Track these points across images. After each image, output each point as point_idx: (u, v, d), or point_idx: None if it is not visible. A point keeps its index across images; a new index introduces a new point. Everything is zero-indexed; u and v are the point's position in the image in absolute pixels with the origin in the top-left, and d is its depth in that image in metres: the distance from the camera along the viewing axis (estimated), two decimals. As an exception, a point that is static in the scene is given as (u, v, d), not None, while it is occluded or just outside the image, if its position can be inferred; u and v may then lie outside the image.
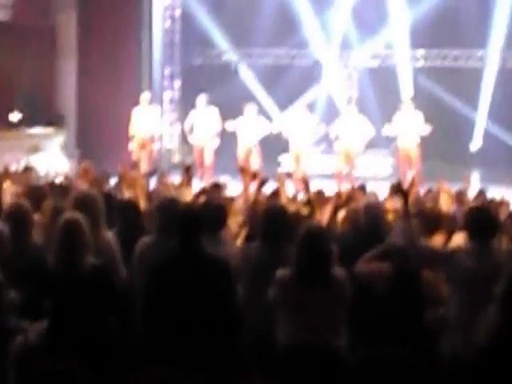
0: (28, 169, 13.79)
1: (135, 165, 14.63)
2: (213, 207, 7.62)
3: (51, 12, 19.50)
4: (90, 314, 5.89)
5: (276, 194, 10.71)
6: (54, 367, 5.26)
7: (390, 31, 19.85)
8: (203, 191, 11.07)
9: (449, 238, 7.77)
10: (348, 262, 6.59)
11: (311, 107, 19.08)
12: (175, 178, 13.12)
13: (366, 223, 7.30)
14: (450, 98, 19.59)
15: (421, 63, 20.18)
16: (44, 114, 18.87)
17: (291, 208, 9.18)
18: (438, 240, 7.66)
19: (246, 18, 19.98)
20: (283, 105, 20.11)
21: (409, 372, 5.41)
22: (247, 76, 20.80)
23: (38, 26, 19.00)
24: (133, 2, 19.89)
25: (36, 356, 5.74)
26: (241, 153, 17.22)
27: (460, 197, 11.88)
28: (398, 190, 6.56)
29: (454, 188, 12.38)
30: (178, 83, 21.40)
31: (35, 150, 18.00)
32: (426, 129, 16.89)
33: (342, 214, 9.04)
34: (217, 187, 11.41)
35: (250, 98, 19.12)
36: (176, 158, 20.92)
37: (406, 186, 6.74)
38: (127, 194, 9.03)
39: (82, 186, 10.24)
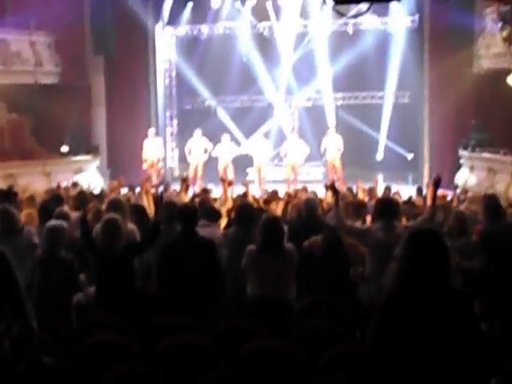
0: (75, 184, 13.78)
1: (148, 179, 14.61)
2: (208, 206, 7.72)
3: (87, 76, 19.43)
4: (123, 280, 5.90)
5: (244, 194, 10.75)
6: (99, 317, 5.28)
7: (319, 81, 19.86)
8: (197, 195, 11.09)
9: (363, 220, 7.83)
10: (295, 239, 6.65)
11: (267, 135, 19.19)
12: (176, 187, 13.16)
13: (306, 212, 7.33)
14: (361, 125, 19.63)
15: (340, 102, 20.20)
16: (84, 145, 18.77)
17: (255, 204, 9.25)
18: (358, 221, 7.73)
19: (220, 75, 19.92)
20: (248, 134, 20.06)
21: (338, 313, 5.46)
22: (223, 115, 20.75)
23: (78, 86, 18.88)
24: (143, 68, 19.82)
25: (88, 309, 5.76)
26: (220, 168, 17.24)
27: (371, 192, 11.95)
28: (331, 188, 6.56)
29: (367, 186, 12.47)
30: (175, 122, 21.32)
31: (79, 171, 17.94)
32: (341, 147, 17.31)
33: (290, 206, 9.11)
34: (206, 191, 11.44)
35: (225, 130, 19.07)
36: (176, 173, 20.83)
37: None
38: (144, 200, 8.98)
39: (112, 194, 10.22)
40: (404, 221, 8.19)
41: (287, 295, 5.88)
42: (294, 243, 6.20)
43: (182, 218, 6.08)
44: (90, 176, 17.92)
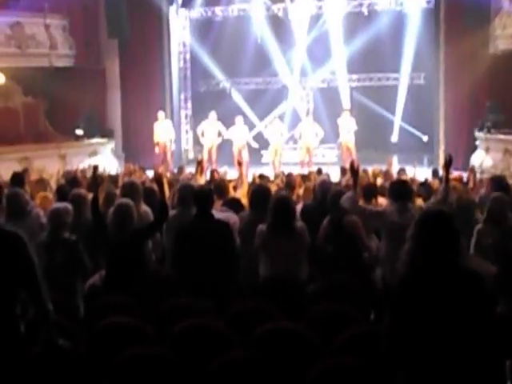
0: (96, 167, 13.78)
1: (162, 164, 14.64)
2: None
3: (102, 59, 19.45)
4: (133, 263, 5.91)
5: (262, 176, 10.76)
6: (110, 300, 5.29)
7: (334, 62, 19.77)
8: (212, 178, 11.05)
9: (375, 202, 7.81)
10: (309, 218, 6.65)
11: (281, 117, 19.11)
12: (191, 169, 13.15)
13: (321, 193, 7.29)
14: (376, 107, 19.56)
15: (355, 84, 20.12)
16: (99, 129, 18.82)
17: (271, 186, 9.23)
18: (374, 203, 7.70)
19: (234, 57, 19.87)
20: (262, 116, 20.04)
21: (352, 295, 5.44)
22: (237, 97, 20.71)
23: (92, 69, 18.93)
24: (157, 51, 19.77)
25: (99, 293, 5.76)
26: (235, 150, 17.17)
27: (386, 174, 11.92)
28: (351, 169, 6.51)
29: (382, 168, 12.43)
30: (189, 104, 21.31)
31: (94, 154, 17.98)
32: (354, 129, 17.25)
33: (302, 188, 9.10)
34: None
35: (239, 112, 19.00)
36: (191, 155, 20.85)
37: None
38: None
39: (126, 177, 10.25)
40: (420, 202, 8.17)
41: (299, 275, 5.86)
42: (309, 225, 6.17)
43: (198, 200, 6.07)
44: (105, 159, 17.96)
